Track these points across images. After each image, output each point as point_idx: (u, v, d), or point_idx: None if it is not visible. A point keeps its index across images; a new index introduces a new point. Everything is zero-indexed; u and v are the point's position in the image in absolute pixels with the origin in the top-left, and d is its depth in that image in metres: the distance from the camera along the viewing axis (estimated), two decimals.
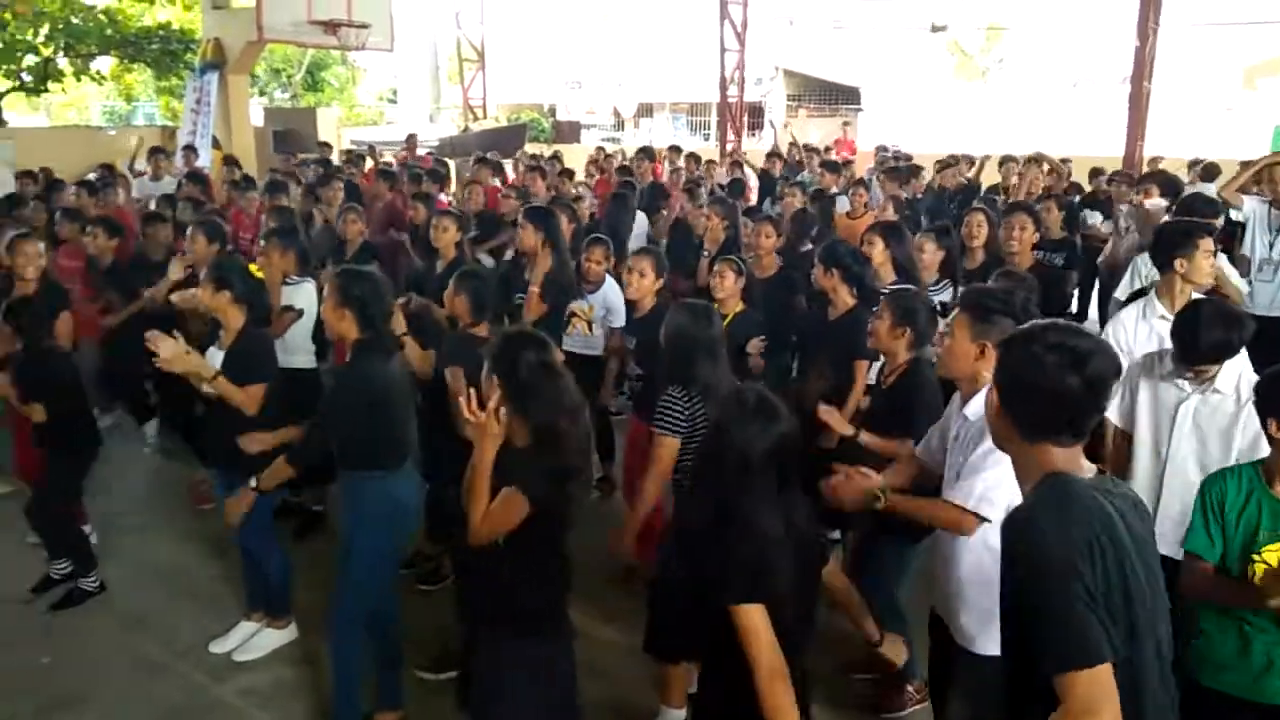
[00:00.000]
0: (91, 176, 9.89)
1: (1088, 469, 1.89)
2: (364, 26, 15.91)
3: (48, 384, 4.38)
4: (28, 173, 9.83)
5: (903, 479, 3.04)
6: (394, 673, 3.67)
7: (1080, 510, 1.77)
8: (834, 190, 8.83)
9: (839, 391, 4.22)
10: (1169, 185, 7.16)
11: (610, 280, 5.37)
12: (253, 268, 4.69)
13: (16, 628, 4.38)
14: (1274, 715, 2.56)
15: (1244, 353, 3.17)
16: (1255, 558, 2.51)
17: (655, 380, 3.94)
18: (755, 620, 2.18)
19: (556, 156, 14.36)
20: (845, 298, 4.44)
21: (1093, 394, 1.82)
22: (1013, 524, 1.84)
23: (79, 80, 22.42)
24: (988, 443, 2.59)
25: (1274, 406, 2.48)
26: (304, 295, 5.10)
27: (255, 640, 4.20)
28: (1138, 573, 1.78)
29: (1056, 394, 1.81)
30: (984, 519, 2.67)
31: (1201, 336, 3.03)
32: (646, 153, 10.99)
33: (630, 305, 5.05)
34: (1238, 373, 3.14)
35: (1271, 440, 2.52)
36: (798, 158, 12.33)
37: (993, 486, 2.63)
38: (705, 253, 6.25)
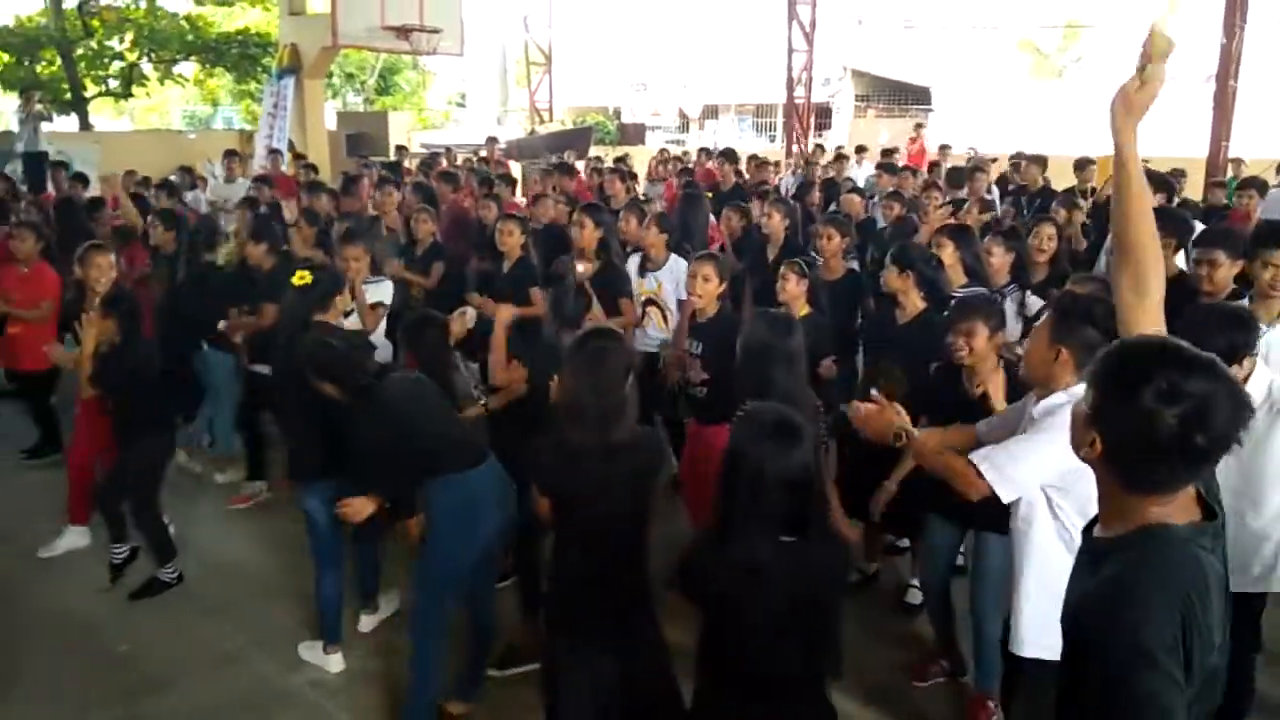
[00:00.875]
0: (172, 178, 10.22)
1: (1186, 509, 1.61)
2: (435, 31, 16.17)
3: (140, 375, 4.54)
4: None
5: (949, 441, 2.94)
6: (481, 667, 3.73)
7: (1178, 577, 1.52)
8: (910, 193, 8.68)
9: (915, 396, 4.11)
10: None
11: (674, 255, 5.43)
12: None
13: (99, 615, 4.53)
14: None
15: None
16: None
17: (721, 386, 3.91)
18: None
19: (623, 159, 14.41)
20: (916, 301, 4.36)
21: (1215, 449, 1.51)
22: (1103, 594, 1.56)
23: (162, 84, 23.19)
24: (1039, 431, 2.58)
25: None
26: (385, 292, 5.24)
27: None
28: (1213, 628, 1.55)
29: (1171, 452, 1.50)
30: (994, 492, 2.59)
31: (1205, 342, 2.91)
32: (728, 154, 10.91)
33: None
34: (1268, 382, 3.01)
35: None
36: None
37: (1020, 469, 2.58)
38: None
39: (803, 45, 19.38)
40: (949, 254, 4.71)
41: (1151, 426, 1.48)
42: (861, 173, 12.61)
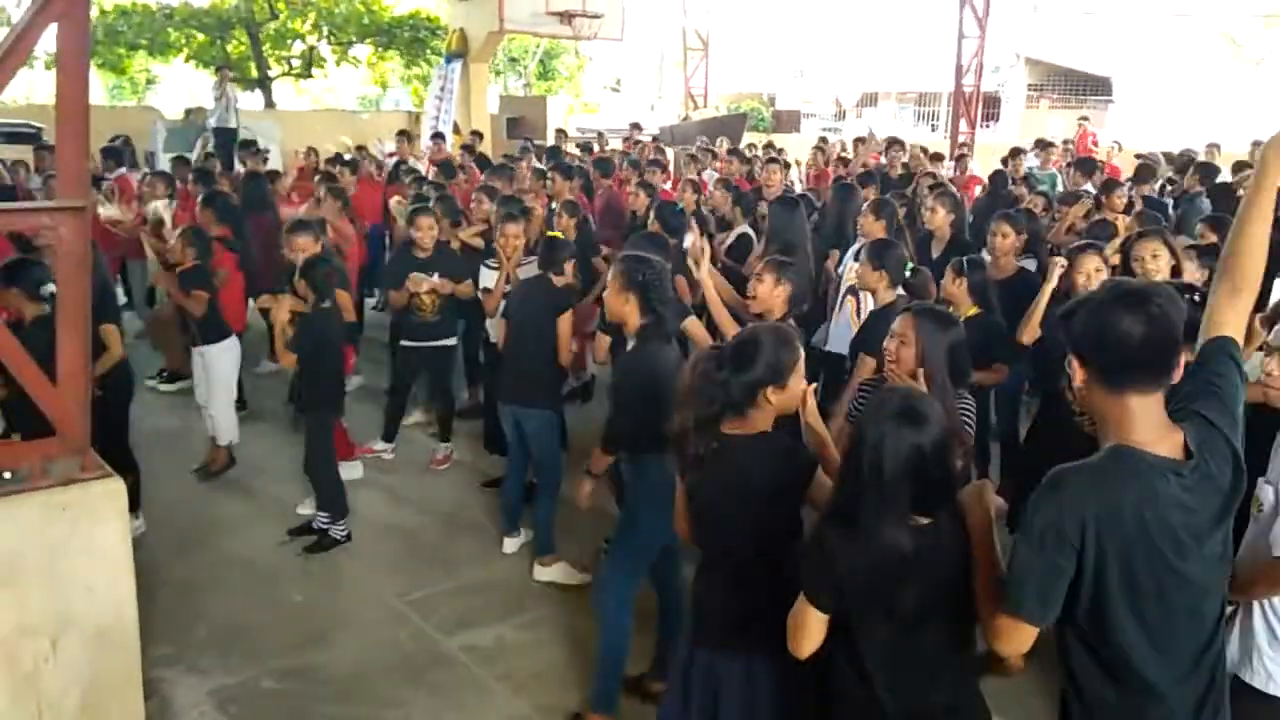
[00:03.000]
0: (348, 156, 10.74)
1: (1173, 442, 1.88)
2: (597, 16, 16.37)
3: (330, 343, 4.86)
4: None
5: None
6: (673, 642, 3.71)
7: (1109, 484, 1.84)
8: (1086, 187, 8.21)
9: None
10: None
11: None
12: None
13: (278, 566, 4.82)
14: None
15: None
16: None
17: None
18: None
19: (770, 145, 14.21)
20: None
21: (1160, 329, 1.83)
22: (1049, 480, 1.91)
23: (339, 66, 24.38)
24: None
25: None
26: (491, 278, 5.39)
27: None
28: (1157, 566, 1.85)
29: (1123, 336, 1.84)
30: None
31: None
32: (898, 143, 10.59)
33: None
34: None
35: None
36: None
37: None
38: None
39: (974, 31, 18.62)
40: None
41: (1103, 317, 1.87)
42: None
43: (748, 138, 18.36)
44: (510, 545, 4.91)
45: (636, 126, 16.01)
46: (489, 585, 4.65)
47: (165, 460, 5.87)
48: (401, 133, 12.19)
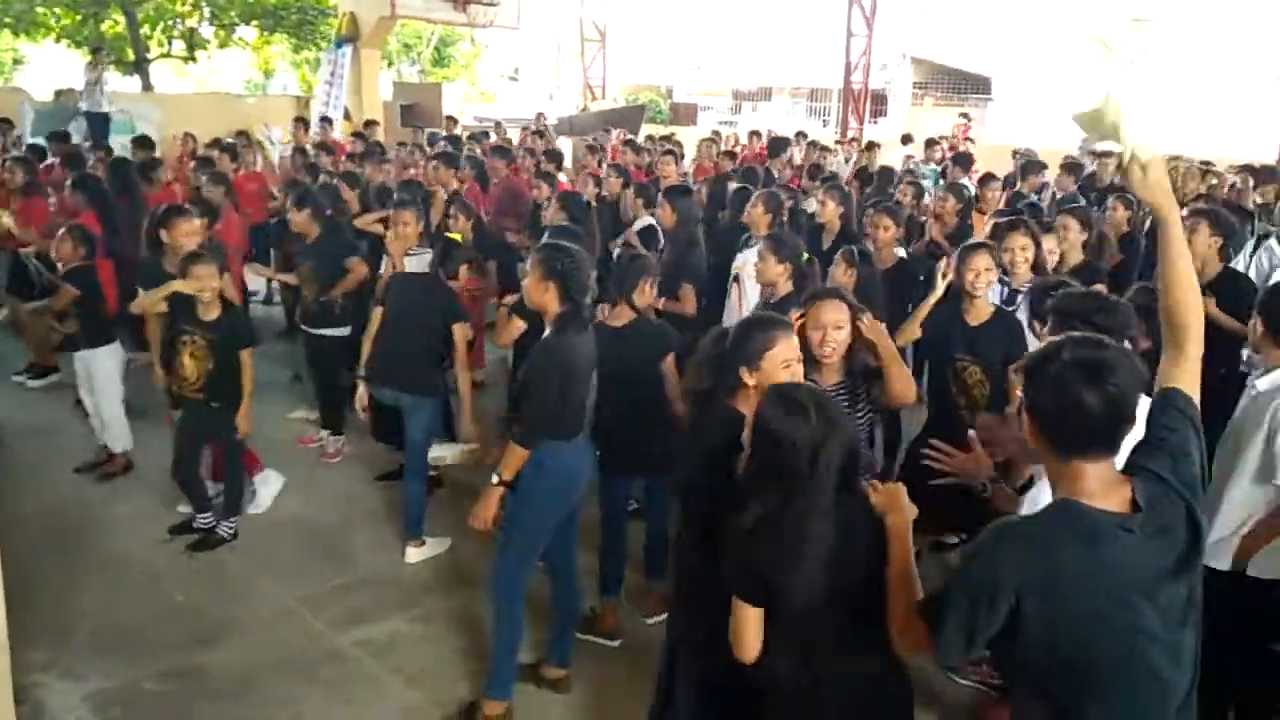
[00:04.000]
0: (230, 141, 10.39)
1: (1121, 496, 1.86)
2: (492, 4, 16.21)
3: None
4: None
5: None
6: (569, 634, 3.79)
7: (1052, 548, 1.83)
8: (964, 181, 8.57)
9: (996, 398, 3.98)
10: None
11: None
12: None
13: (159, 565, 4.66)
14: None
15: None
16: None
17: None
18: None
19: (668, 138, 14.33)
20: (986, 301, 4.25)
21: (1115, 407, 1.82)
22: (993, 535, 1.93)
23: (223, 48, 23.47)
24: None
25: None
26: (422, 264, 5.31)
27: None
28: (1107, 627, 1.82)
29: (1080, 410, 1.82)
30: None
31: None
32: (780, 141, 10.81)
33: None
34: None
35: None
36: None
37: None
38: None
39: (862, 29, 19.14)
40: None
41: (1061, 386, 1.85)
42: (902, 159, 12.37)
43: (646, 130, 18.46)
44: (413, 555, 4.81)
45: (542, 116, 15.93)
46: (381, 579, 4.60)
47: (39, 457, 5.61)
48: (298, 119, 11.87)
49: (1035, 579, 1.82)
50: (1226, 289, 4.60)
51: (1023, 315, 4.16)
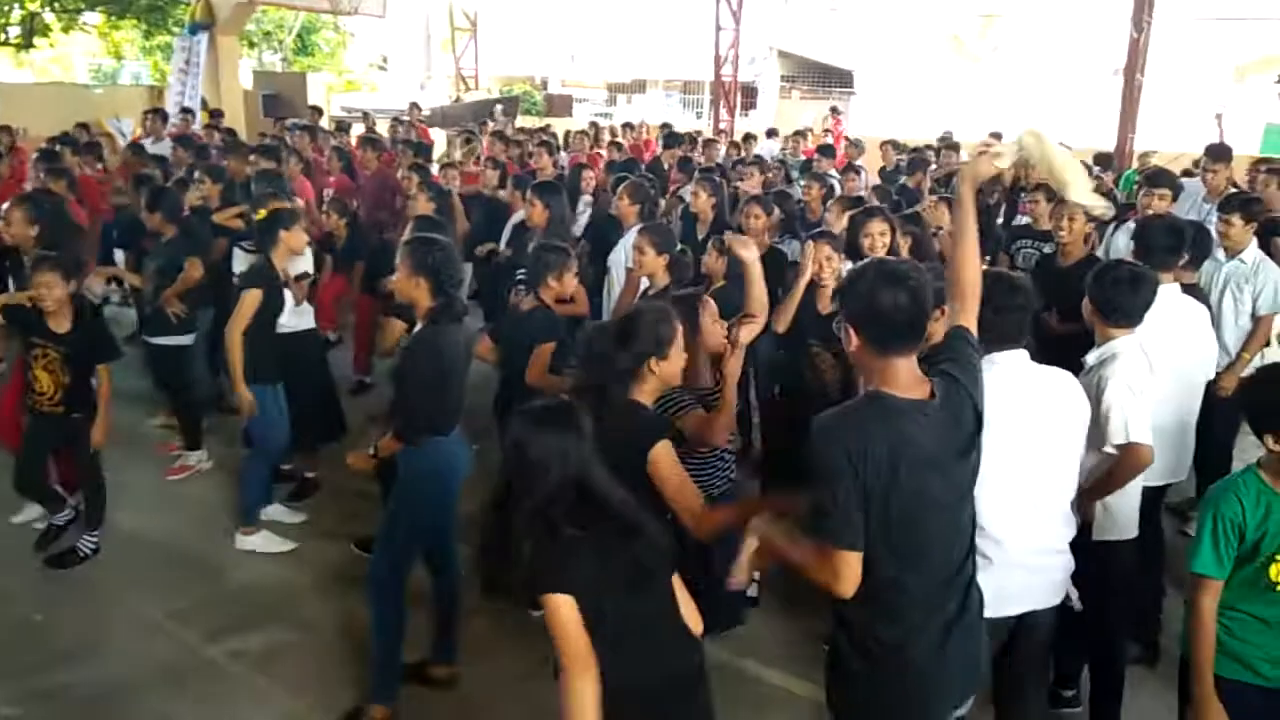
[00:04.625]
0: (73, 135, 9.83)
1: (921, 386, 2.25)
2: None
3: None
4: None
5: None
6: (453, 632, 3.75)
7: (865, 423, 2.18)
8: (830, 172, 8.88)
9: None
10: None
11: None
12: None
13: (12, 585, 4.41)
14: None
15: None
16: (1278, 558, 2.50)
17: None
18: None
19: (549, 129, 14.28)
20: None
21: (916, 302, 2.20)
22: (815, 425, 2.22)
23: (66, 33, 22.07)
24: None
25: (1268, 421, 2.49)
26: (305, 263, 5.18)
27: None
28: (920, 490, 2.17)
29: (888, 307, 2.19)
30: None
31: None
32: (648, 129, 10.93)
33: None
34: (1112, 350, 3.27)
35: (1271, 452, 2.51)
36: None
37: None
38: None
39: (730, 23, 19.44)
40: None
41: (873, 293, 2.21)
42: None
43: (520, 121, 18.33)
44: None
45: (415, 107, 15.57)
46: (254, 588, 4.48)
47: None
48: (154, 110, 11.29)
49: (858, 450, 2.14)
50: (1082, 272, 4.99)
51: None
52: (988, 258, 6.55)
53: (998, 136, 11.41)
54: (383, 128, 13.44)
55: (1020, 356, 2.87)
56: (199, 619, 4.19)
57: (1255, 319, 4.77)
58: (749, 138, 12.65)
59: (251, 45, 27.28)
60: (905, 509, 2.17)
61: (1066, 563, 2.88)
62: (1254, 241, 4.91)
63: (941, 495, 2.24)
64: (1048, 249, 5.60)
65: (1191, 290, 4.29)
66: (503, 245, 6.36)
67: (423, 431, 3.46)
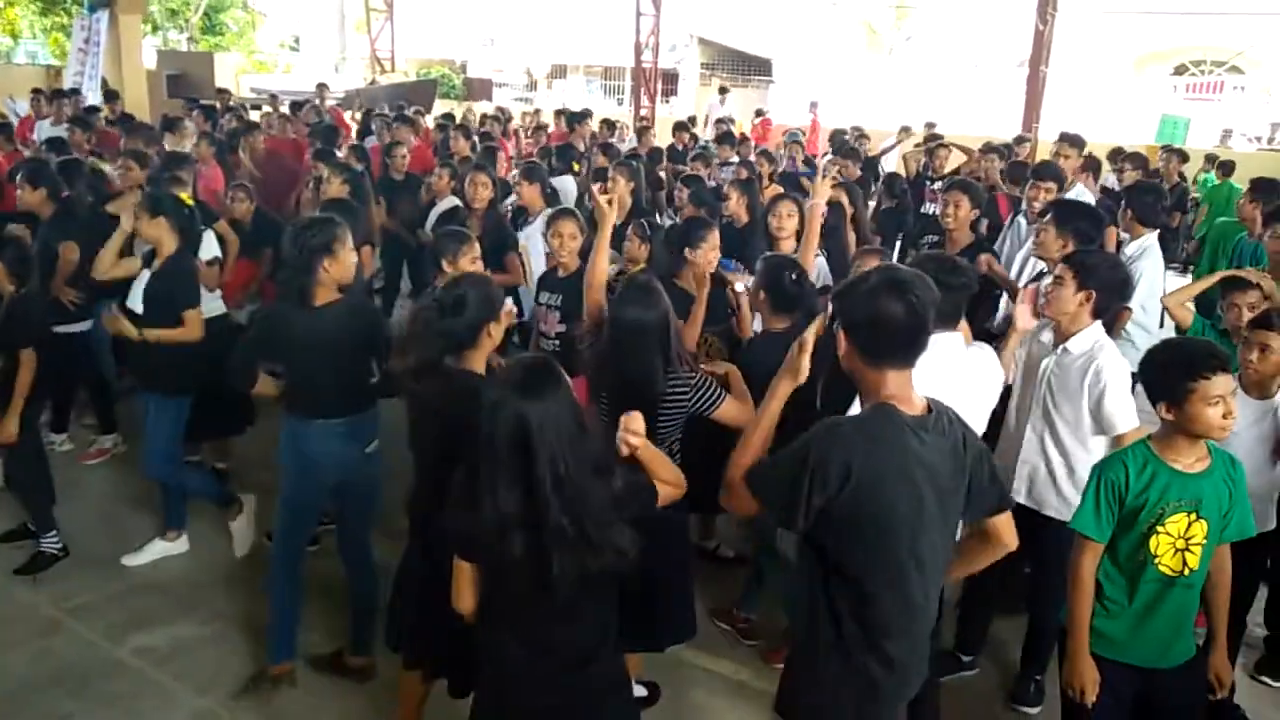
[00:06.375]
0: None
1: (918, 403, 2.17)
2: None
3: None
4: None
5: None
6: (368, 624, 3.71)
7: (867, 439, 2.09)
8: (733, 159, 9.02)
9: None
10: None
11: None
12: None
13: None
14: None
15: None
16: (1160, 529, 2.59)
17: (571, 340, 4.00)
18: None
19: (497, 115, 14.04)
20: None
21: (917, 316, 2.10)
22: (826, 426, 2.15)
23: None
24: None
25: (1158, 392, 2.60)
26: (211, 246, 5.08)
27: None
28: (912, 511, 2.11)
29: (887, 319, 2.09)
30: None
31: None
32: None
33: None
34: (1093, 339, 3.35)
35: (1163, 420, 2.61)
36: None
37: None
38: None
39: (650, 9, 19.46)
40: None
41: (870, 301, 2.11)
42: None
43: (440, 105, 18.06)
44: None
45: (324, 87, 15.18)
46: (159, 584, 4.37)
47: None
48: (59, 91, 10.80)
49: (859, 465, 2.06)
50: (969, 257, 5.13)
51: None
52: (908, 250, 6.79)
53: (907, 130, 11.73)
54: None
55: (955, 339, 2.95)
56: (102, 615, 4.08)
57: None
58: (682, 126, 12.53)
59: (155, 27, 26.34)
60: (910, 518, 2.12)
61: None
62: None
63: (935, 516, 2.16)
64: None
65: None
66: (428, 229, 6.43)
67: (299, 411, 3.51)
